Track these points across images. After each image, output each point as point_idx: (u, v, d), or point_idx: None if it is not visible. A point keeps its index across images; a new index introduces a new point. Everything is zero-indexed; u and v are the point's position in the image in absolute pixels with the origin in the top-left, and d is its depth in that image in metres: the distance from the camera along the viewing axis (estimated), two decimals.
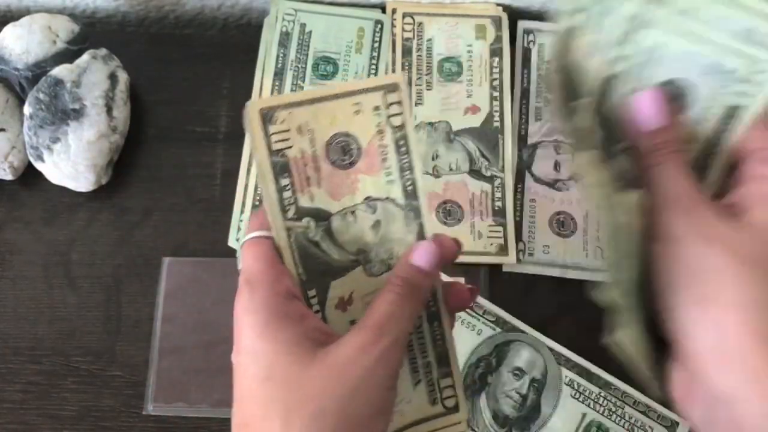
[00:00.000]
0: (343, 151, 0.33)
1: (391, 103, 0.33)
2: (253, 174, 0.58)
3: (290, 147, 0.32)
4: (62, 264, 0.56)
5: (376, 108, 0.33)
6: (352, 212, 0.33)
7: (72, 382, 0.53)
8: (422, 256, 0.33)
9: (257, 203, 0.57)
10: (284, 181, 0.32)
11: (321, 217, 0.33)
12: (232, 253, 0.56)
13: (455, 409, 0.36)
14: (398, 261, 0.33)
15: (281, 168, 0.32)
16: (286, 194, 0.32)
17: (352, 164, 0.33)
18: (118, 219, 0.57)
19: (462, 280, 0.55)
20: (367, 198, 0.33)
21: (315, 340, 0.29)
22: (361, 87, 0.32)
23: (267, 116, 0.31)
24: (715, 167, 0.33)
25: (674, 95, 0.32)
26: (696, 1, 0.30)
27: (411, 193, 0.34)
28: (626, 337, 0.31)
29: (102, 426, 0.52)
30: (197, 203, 0.58)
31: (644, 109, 0.32)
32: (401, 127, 0.33)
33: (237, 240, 0.56)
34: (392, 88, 0.33)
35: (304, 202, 0.32)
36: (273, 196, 0.32)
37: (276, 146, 0.32)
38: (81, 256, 0.56)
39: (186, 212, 0.57)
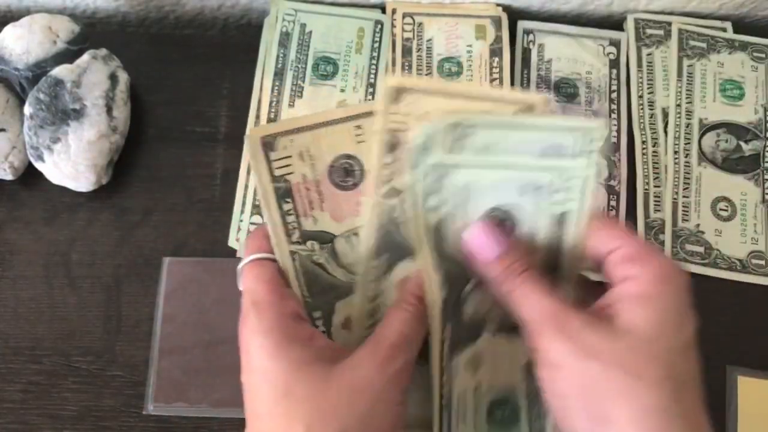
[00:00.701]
0: (346, 173, 0.33)
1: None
2: (253, 174, 0.58)
3: (292, 173, 0.32)
4: (62, 264, 0.56)
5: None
6: (356, 234, 0.33)
7: (72, 382, 0.53)
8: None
9: (257, 203, 0.57)
10: (287, 206, 0.32)
11: (325, 239, 0.33)
12: (232, 253, 0.56)
13: None
14: (411, 278, 0.33)
15: (284, 193, 0.32)
16: (290, 219, 0.32)
17: (355, 185, 0.33)
18: (118, 219, 0.57)
19: None
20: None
21: (326, 358, 0.30)
22: (361, 111, 0.32)
23: (268, 144, 0.31)
24: (565, 268, 0.33)
25: (502, 219, 0.32)
26: (492, 137, 0.31)
27: None
28: None
29: (102, 426, 0.52)
30: (197, 203, 0.58)
31: (478, 241, 0.31)
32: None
33: (237, 240, 0.56)
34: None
35: (308, 225, 0.32)
36: (277, 221, 0.32)
37: (278, 172, 0.32)
38: (81, 256, 0.56)
39: (186, 212, 0.57)
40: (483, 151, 0.31)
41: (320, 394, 0.28)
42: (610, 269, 0.31)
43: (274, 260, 0.32)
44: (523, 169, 0.31)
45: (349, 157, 0.33)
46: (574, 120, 0.33)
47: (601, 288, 0.32)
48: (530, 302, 0.30)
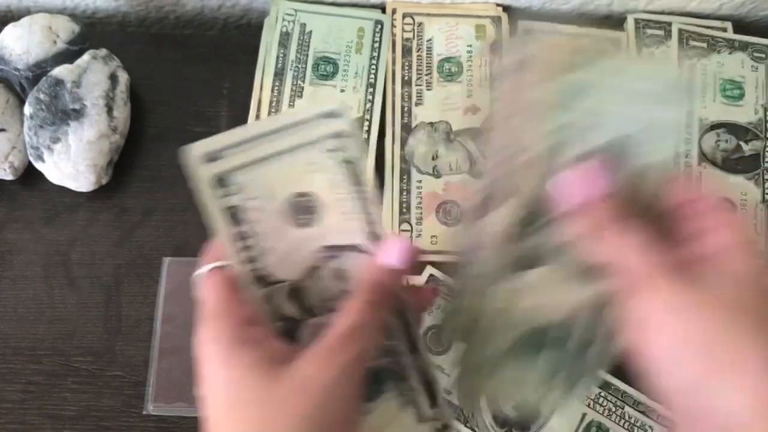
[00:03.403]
0: (304, 210, 0.33)
1: (340, 137, 0.33)
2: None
3: (246, 208, 0.32)
4: (62, 264, 0.56)
5: (328, 151, 0.33)
6: (317, 268, 0.33)
7: (72, 382, 0.53)
8: (392, 252, 0.32)
9: None
10: (240, 230, 0.32)
11: (269, 282, 0.33)
12: None
13: (447, 428, 0.36)
14: (362, 267, 0.33)
15: (237, 218, 0.32)
16: (242, 241, 0.32)
17: (313, 221, 0.33)
18: (118, 219, 0.57)
19: None
20: (330, 247, 0.34)
21: (278, 359, 0.29)
22: (309, 140, 0.33)
23: (220, 181, 0.32)
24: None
25: (611, 158, 0.32)
26: (620, 65, 0.31)
27: (374, 236, 0.34)
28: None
29: (102, 426, 0.52)
30: (197, 203, 0.58)
31: (579, 183, 0.31)
32: (352, 162, 0.33)
33: None
34: (333, 114, 0.33)
35: (262, 265, 0.33)
36: (229, 240, 0.32)
37: (231, 205, 0.32)
38: (81, 256, 0.56)
39: (186, 212, 0.57)
40: (615, 73, 0.31)
41: (270, 396, 0.28)
42: (697, 221, 0.31)
43: (231, 266, 0.32)
44: (639, 106, 0.31)
45: (304, 195, 0.33)
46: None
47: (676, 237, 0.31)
48: (633, 251, 0.30)
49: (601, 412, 0.53)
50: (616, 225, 0.30)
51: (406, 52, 0.62)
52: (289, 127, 0.32)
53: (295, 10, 0.63)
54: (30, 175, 0.57)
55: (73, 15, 0.61)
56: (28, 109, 0.54)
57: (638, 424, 0.52)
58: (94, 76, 0.56)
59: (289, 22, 0.62)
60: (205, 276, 0.32)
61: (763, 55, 0.64)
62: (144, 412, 0.52)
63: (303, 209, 0.33)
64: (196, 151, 0.31)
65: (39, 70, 0.56)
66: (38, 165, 0.55)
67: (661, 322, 0.29)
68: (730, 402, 0.27)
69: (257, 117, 0.60)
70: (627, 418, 0.53)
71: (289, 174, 0.32)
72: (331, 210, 0.33)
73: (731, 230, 0.30)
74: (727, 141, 0.61)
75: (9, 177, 0.56)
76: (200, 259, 0.33)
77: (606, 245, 0.31)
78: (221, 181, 0.32)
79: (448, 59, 0.62)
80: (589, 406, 0.53)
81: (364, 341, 0.30)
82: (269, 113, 0.60)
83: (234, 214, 0.32)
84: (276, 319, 0.33)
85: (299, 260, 0.33)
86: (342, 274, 0.34)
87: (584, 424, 0.52)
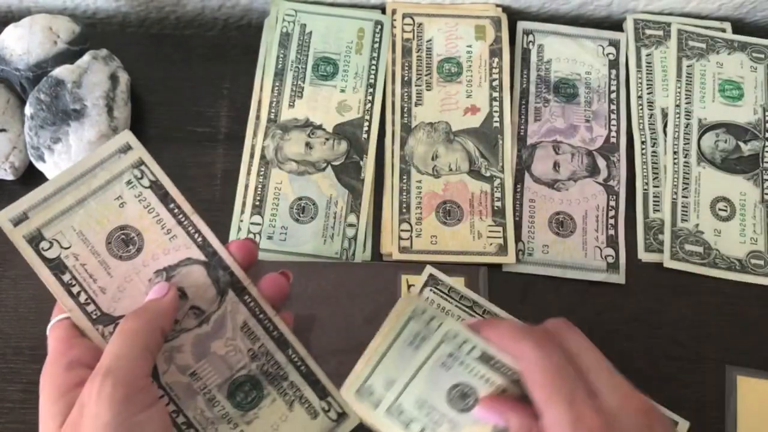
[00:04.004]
0: (125, 243, 0.35)
1: (137, 166, 0.36)
2: (253, 174, 0.58)
3: (65, 257, 0.34)
4: None
5: (129, 183, 0.35)
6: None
7: None
8: (155, 292, 0.35)
9: (257, 203, 0.57)
10: (70, 283, 0.35)
11: (113, 319, 0.35)
12: None
13: (344, 416, 0.36)
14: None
15: (62, 271, 0.35)
16: (77, 293, 0.35)
17: (139, 250, 0.35)
18: None
19: (462, 280, 0.55)
20: (163, 270, 0.36)
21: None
22: (108, 178, 0.35)
23: (32, 240, 0.34)
24: None
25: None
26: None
27: (203, 244, 0.36)
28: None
29: None
30: (197, 203, 0.57)
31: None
32: (157, 184, 0.36)
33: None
34: (125, 148, 0.36)
35: (101, 306, 0.35)
36: (64, 297, 0.34)
37: (50, 258, 0.35)
38: None
39: None
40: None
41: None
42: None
43: (67, 318, 0.35)
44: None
45: (122, 228, 0.35)
46: None
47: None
48: None
49: None
50: None
51: (406, 52, 0.62)
52: (87, 173, 0.35)
53: (295, 11, 0.63)
54: (31, 176, 0.57)
55: (73, 15, 0.61)
56: (28, 110, 0.55)
57: None
58: (94, 76, 0.56)
59: (289, 22, 0.62)
60: (50, 328, 0.35)
61: (762, 56, 0.64)
62: None
63: (124, 243, 0.35)
64: (3, 217, 0.34)
65: (39, 71, 0.56)
66: (39, 165, 0.55)
67: None
68: None
69: (257, 117, 0.60)
70: None
71: (100, 214, 0.35)
72: (152, 235, 0.35)
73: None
74: (726, 141, 0.62)
75: (9, 177, 0.57)
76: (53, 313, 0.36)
77: None
78: (33, 239, 0.34)
79: (447, 59, 0.62)
80: None
81: (121, 371, 0.32)
82: (269, 114, 0.60)
83: (57, 266, 0.34)
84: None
85: (136, 291, 0.35)
86: (183, 291, 0.36)
87: None
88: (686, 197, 0.60)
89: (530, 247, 0.58)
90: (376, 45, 0.62)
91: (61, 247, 0.34)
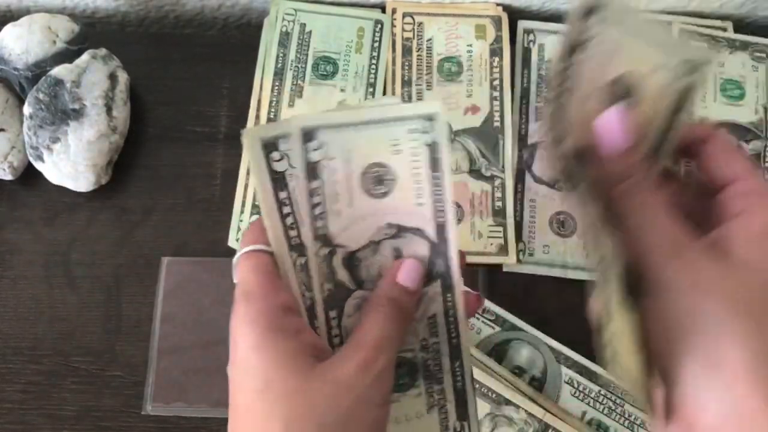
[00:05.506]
0: (378, 181, 0.32)
1: (426, 117, 0.32)
2: (252, 172, 0.58)
3: (324, 165, 0.32)
4: (62, 264, 0.56)
5: (412, 131, 0.32)
6: (378, 242, 0.33)
7: (72, 382, 0.53)
8: (408, 273, 0.32)
9: (257, 203, 0.57)
10: (285, 205, 0.32)
11: (330, 243, 0.32)
12: (232, 253, 0.56)
13: None
14: (383, 278, 0.33)
15: (282, 191, 0.32)
16: (289, 220, 0.32)
17: (385, 194, 0.33)
18: (118, 219, 0.57)
19: (461, 280, 0.55)
20: (395, 226, 0.33)
21: (311, 354, 0.29)
22: (398, 115, 0.32)
23: (305, 136, 0.31)
24: (665, 150, 0.31)
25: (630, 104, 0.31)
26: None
27: (440, 227, 0.33)
28: (620, 362, 0.30)
29: (102, 426, 0.52)
30: (197, 203, 0.58)
31: (610, 126, 0.30)
32: (435, 146, 0.32)
33: (237, 240, 0.56)
34: (429, 117, 0.32)
35: (329, 226, 0.32)
36: (274, 217, 0.31)
37: (311, 161, 0.31)
38: (81, 256, 0.56)
39: (186, 212, 0.57)
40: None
41: (301, 391, 0.28)
42: (726, 199, 0.30)
43: (270, 252, 0.31)
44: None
45: (382, 165, 0.32)
46: None
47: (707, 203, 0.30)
48: (650, 221, 0.29)
49: (601, 410, 0.53)
50: (646, 192, 0.29)
51: (406, 51, 0.62)
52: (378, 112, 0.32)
53: (295, 10, 0.63)
54: (29, 175, 0.57)
55: (72, 15, 0.61)
56: (27, 109, 0.54)
57: (638, 422, 0.52)
58: (93, 75, 0.55)
59: (289, 21, 0.62)
60: (243, 257, 0.31)
61: (764, 55, 0.64)
62: (143, 412, 0.52)
63: (377, 180, 0.32)
64: (258, 129, 0.32)
65: (38, 70, 0.56)
66: (38, 165, 0.55)
67: (683, 295, 0.28)
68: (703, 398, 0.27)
69: (257, 117, 0.60)
70: (627, 416, 0.53)
71: (371, 144, 0.32)
72: (404, 189, 0.32)
73: (756, 220, 0.28)
74: None
75: (8, 177, 0.56)
76: (242, 241, 0.32)
77: (631, 208, 0.29)
78: (306, 135, 0.31)
79: (448, 59, 0.62)
80: (589, 404, 0.53)
81: (391, 352, 0.30)
82: (269, 113, 0.60)
83: (279, 180, 0.31)
84: (328, 282, 0.32)
85: (363, 230, 0.33)
86: (400, 254, 0.33)
87: (584, 423, 0.52)
88: None
89: (531, 247, 0.57)
90: (376, 44, 0.62)
91: (323, 153, 0.31)
